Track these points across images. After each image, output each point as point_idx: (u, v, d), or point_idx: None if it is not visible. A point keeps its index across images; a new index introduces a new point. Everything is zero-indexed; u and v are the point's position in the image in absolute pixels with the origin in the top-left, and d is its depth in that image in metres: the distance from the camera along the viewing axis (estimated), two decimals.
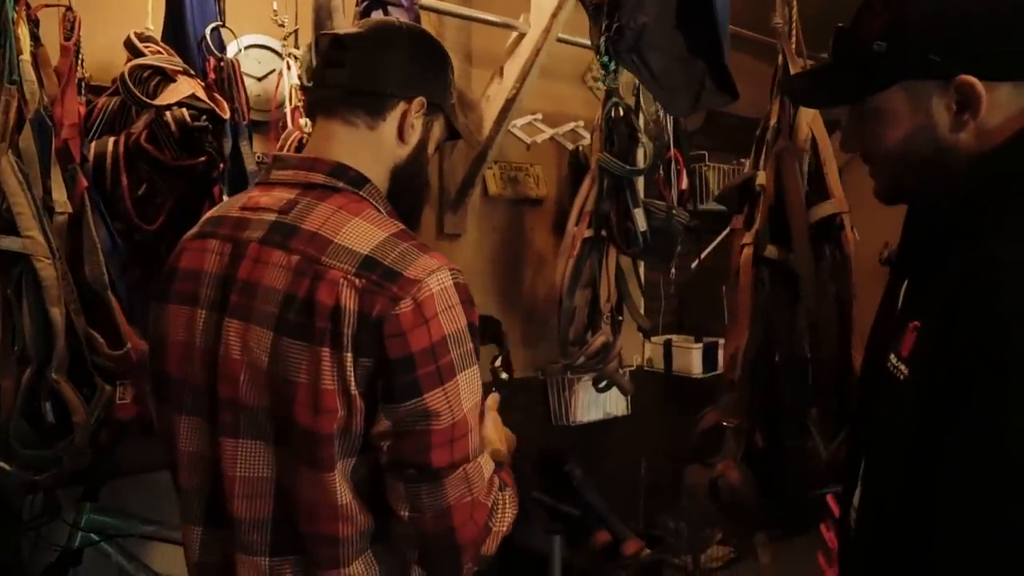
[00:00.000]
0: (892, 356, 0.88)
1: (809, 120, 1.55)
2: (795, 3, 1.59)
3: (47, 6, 1.59)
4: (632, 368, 3.09)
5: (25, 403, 1.43)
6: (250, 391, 0.98)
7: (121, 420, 1.55)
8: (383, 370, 0.94)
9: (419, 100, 1.11)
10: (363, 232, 0.99)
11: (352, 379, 0.94)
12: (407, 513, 0.98)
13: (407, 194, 1.14)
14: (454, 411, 0.96)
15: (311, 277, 0.96)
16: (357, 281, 0.95)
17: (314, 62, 1.20)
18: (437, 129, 1.17)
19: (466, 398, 0.98)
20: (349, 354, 0.94)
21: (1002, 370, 0.73)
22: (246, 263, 1.01)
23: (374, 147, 1.09)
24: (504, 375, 1.62)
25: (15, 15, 1.48)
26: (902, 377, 0.85)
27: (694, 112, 1.68)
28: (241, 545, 1.02)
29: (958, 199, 0.88)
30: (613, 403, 2.98)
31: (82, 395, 1.49)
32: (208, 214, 1.14)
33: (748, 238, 1.66)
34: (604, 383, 2.72)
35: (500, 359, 1.62)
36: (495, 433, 1.19)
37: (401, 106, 1.10)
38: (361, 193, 1.05)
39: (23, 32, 1.50)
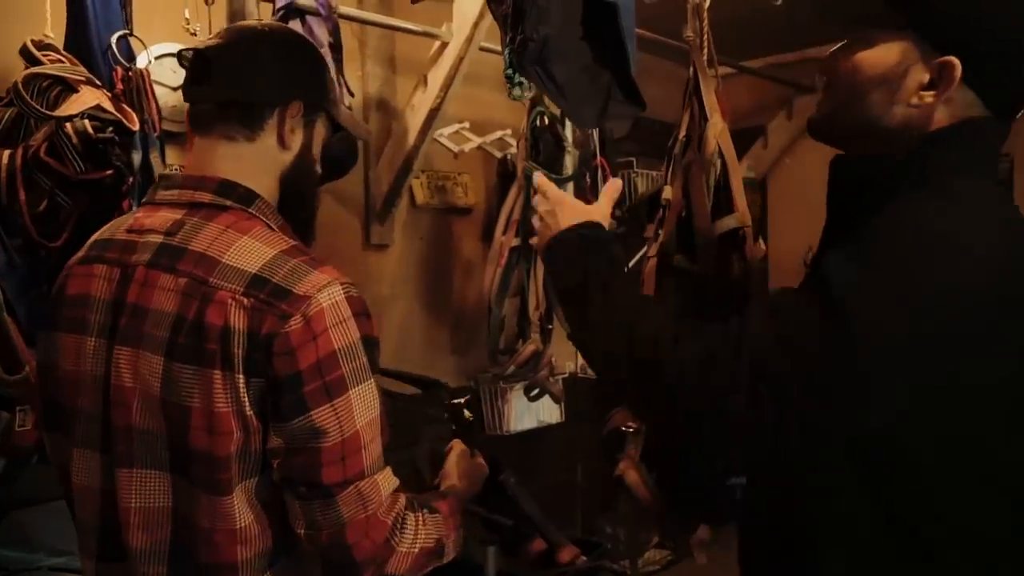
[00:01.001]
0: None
1: (717, 134, 1.58)
2: (706, 15, 1.62)
3: None
4: (565, 375, 3.09)
5: None
6: (144, 418, 0.96)
7: (21, 447, 1.47)
8: (272, 388, 0.93)
9: (295, 104, 1.08)
10: (252, 250, 0.97)
11: (246, 400, 0.93)
12: (303, 530, 0.97)
13: (299, 199, 1.12)
14: (343, 427, 0.95)
15: (200, 299, 0.94)
16: (245, 300, 0.93)
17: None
18: (320, 128, 1.14)
19: (360, 414, 0.96)
20: (241, 375, 0.93)
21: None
22: (134, 287, 0.99)
23: (257, 158, 1.07)
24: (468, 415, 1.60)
25: None
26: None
27: (600, 124, 1.70)
28: None
29: (887, 166, 0.94)
30: (547, 411, 2.98)
31: None
32: (94, 237, 1.11)
33: (653, 249, 1.70)
34: (536, 391, 2.72)
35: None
36: (454, 469, 1.25)
37: (277, 113, 1.07)
38: (251, 211, 1.03)
39: None
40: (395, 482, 1.02)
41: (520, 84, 1.51)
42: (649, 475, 1.70)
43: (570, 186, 2.72)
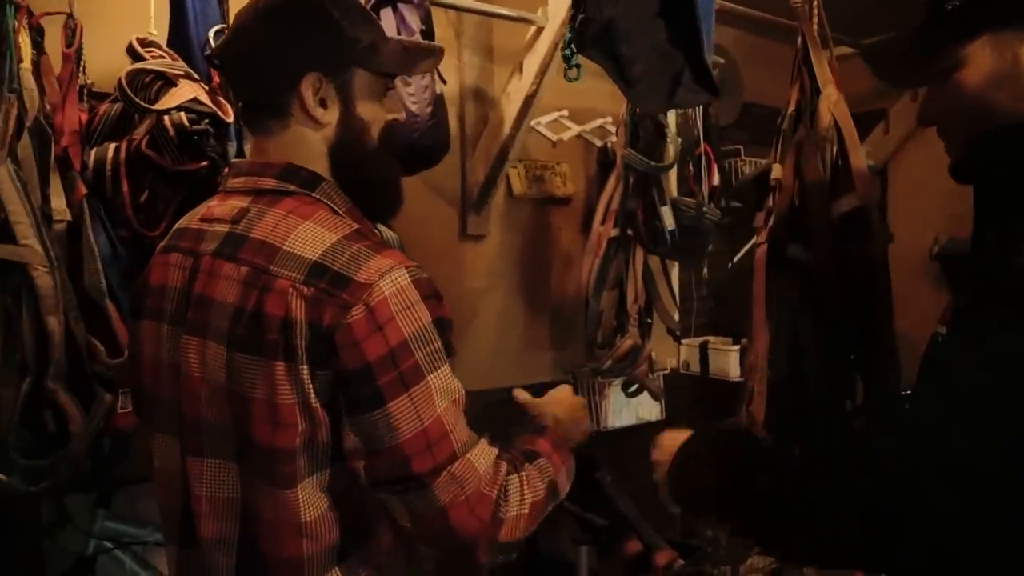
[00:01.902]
0: (939, 326, 0.80)
1: (831, 106, 1.43)
2: None
3: (48, 14, 1.58)
4: (666, 371, 2.99)
5: (25, 413, 1.42)
6: (211, 409, 0.96)
7: (124, 428, 1.53)
8: (342, 381, 0.91)
9: (308, 78, 1.01)
10: (313, 236, 0.95)
11: (311, 392, 0.91)
12: (408, 523, 0.96)
13: (357, 167, 1.06)
14: (423, 417, 0.91)
15: (259, 288, 0.93)
16: (305, 289, 0.91)
17: None
18: (361, 83, 1.05)
19: (440, 399, 0.93)
20: (305, 366, 0.91)
21: None
22: (201, 277, 0.99)
23: (301, 144, 1.03)
24: None
25: (15, 24, 1.48)
26: (940, 339, 0.78)
27: (667, 109, 1.58)
28: (208, 566, 0.98)
29: None
30: (646, 408, 2.89)
31: (84, 404, 1.47)
32: (176, 226, 1.13)
33: (763, 236, 1.55)
34: (634, 387, 2.64)
35: None
36: (556, 401, 1.20)
37: (296, 94, 1.01)
38: (314, 195, 1.01)
39: (24, 40, 1.50)
40: (492, 453, 0.98)
41: (578, 66, 1.44)
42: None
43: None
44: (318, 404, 0.91)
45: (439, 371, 0.93)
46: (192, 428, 0.98)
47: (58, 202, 1.48)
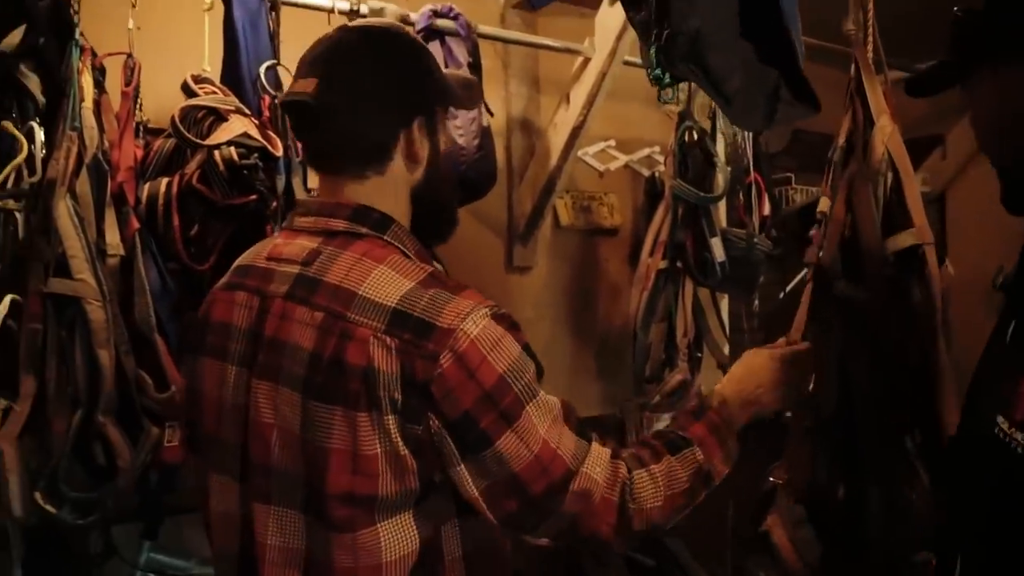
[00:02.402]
0: (1001, 419, 0.73)
1: (885, 138, 1.37)
2: (871, 6, 1.43)
3: (111, 55, 1.62)
4: None
5: (76, 445, 1.43)
6: (282, 456, 0.93)
7: (170, 462, 1.54)
8: (447, 429, 0.90)
9: (418, 120, 1.02)
10: (388, 281, 0.93)
11: (399, 441, 0.89)
12: (546, 541, 0.99)
13: (436, 205, 1.07)
14: (532, 445, 0.91)
15: (338, 335, 0.90)
16: (388, 340, 0.89)
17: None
18: (443, 122, 1.07)
19: (541, 422, 0.92)
20: (391, 417, 0.89)
21: None
22: (272, 319, 0.96)
23: (389, 185, 1.02)
24: None
25: (80, 65, 1.52)
26: (1020, 449, 0.70)
27: (770, 127, 1.51)
28: None
29: None
30: None
31: (132, 437, 1.48)
32: (237, 262, 1.09)
33: (810, 273, 1.49)
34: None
35: None
36: (735, 392, 1.15)
37: (403, 136, 1.01)
38: (386, 237, 0.99)
39: (87, 80, 1.54)
40: (605, 455, 0.98)
41: (670, 86, 1.37)
42: (804, 535, 1.51)
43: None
44: (407, 451, 0.89)
45: (536, 398, 0.93)
46: (260, 474, 0.95)
47: (112, 237, 1.50)
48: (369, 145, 1.01)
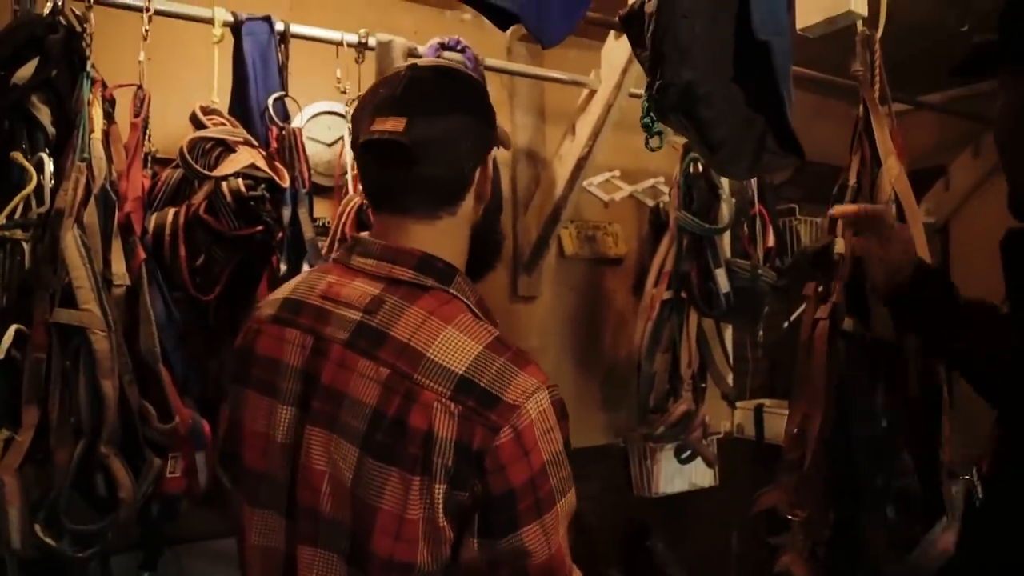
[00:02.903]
0: (974, 471, 0.73)
1: (893, 179, 1.39)
2: (877, 48, 1.46)
3: (121, 86, 1.64)
4: (720, 436, 2.89)
5: (77, 477, 1.42)
6: (331, 505, 0.92)
7: (172, 494, 1.53)
8: (481, 504, 0.88)
9: (491, 154, 1.04)
10: (457, 346, 0.92)
11: (440, 510, 0.88)
12: None
13: (490, 236, 1.09)
14: (551, 544, 0.90)
15: (402, 396, 0.89)
16: (452, 406, 0.88)
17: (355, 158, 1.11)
18: (493, 159, 1.07)
19: (563, 522, 0.92)
20: (440, 485, 0.87)
21: None
22: (330, 367, 0.95)
23: (456, 227, 1.03)
24: None
25: (90, 96, 1.54)
26: (977, 503, 0.70)
27: (753, 176, 1.54)
28: None
29: None
30: (699, 474, 2.79)
31: (134, 468, 1.47)
32: (284, 295, 1.05)
33: (823, 312, 1.50)
34: (687, 453, 2.55)
35: None
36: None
37: (479, 172, 1.02)
38: (451, 291, 0.98)
39: (96, 111, 1.55)
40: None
41: (659, 134, 1.41)
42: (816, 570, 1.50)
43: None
44: (445, 523, 0.88)
45: (567, 496, 0.93)
46: (307, 517, 0.94)
47: (118, 267, 1.50)
48: (452, 184, 1.00)
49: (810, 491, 1.48)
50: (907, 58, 1.84)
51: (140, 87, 1.65)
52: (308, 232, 1.70)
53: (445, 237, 1.01)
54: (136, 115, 1.64)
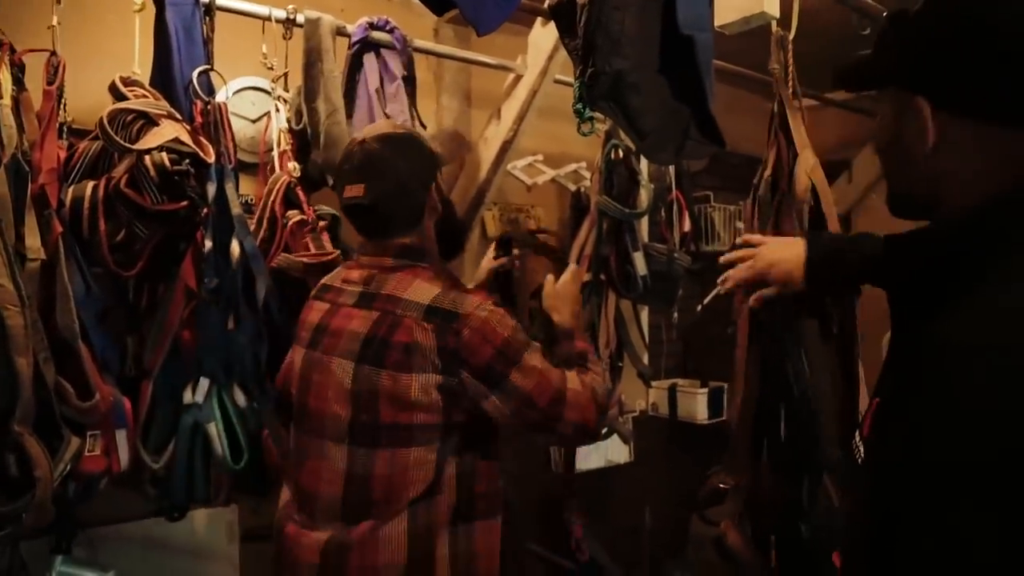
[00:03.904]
0: (857, 435, 0.81)
1: (808, 169, 1.48)
2: (790, 48, 1.55)
3: (32, 51, 1.57)
4: (635, 414, 3.01)
5: None
6: (332, 405, 1.38)
7: (90, 473, 1.49)
8: (477, 377, 1.33)
9: (434, 183, 1.48)
10: (424, 289, 1.37)
11: (433, 390, 1.32)
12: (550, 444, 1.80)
13: (453, 227, 1.65)
14: (532, 376, 1.35)
15: (388, 324, 1.35)
16: (426, 324, 1.33)
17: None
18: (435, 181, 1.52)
19: (534, 361, 1.36)
20: (432, 375, 1.32)
21: (946, 479, 0.64)
22: (337, 318, 1.44)
23: (422, 233, 1.48)
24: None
25: None
26: (860, 460, 0.78)
27: (677, 162, 1.64)
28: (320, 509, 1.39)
29: (944, 240, 0.81)
30: (615, 450, 2.90)
31: (50, 447, 1.43)
32: (322, 281, 1.57)
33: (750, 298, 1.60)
34: (604, 431, 2.64)
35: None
36: (565, 307, 1.62)
37: (427, 202, 1.47)
38: (421, 264, 1.44)
39: (4, 76, 1.48)
40: (573, 376, 1.42)
41: (590, 119, 1.46)
42: (748, 534, 1.60)
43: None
44: (438, 396, 1.32)
45: (528, 346, 1.38)
46: (315, 417, 1.42)
47: (32, 240, 1.45)
48: (409, 214, 1.45)
49: (739, 462, 1.58)
50: (815, 58, 1.95)
51: (54, 53, 1.58)
52: (235, 208, 1.68)
53: (415, 238, 1.47)
54: (50, 83, 1.57)
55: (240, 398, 1.73)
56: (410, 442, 1.33)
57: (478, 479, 1.40)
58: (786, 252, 1.35)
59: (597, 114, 1.49)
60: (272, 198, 1.76)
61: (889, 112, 0.84)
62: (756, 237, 1.44)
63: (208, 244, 1.66)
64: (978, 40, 0.73)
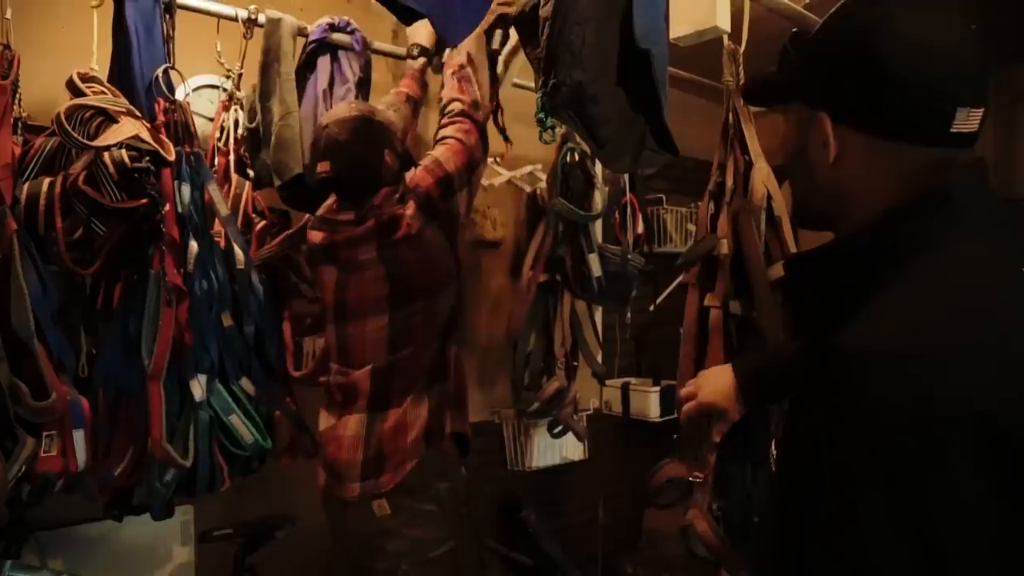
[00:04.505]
0: (773, 440, 0.86)
1: (764, 178, 1.56)
2: (742, 62, 1.61)
3: None
4: (589, 412, 3.06)
5: None
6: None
7: (45, 474, 1.47)
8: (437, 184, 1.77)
9: (390, 147, 1.79)
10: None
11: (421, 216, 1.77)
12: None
13: (411, 165, 1.88)
14: (448, 163, 1.80)
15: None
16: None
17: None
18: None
19: (445, 162, 1.79)
20: (420, 213, 1.75)
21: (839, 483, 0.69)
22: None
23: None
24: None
25: None
26: (773, 467, 0.83)
27: (634, 170, 1.70)
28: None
29: (847, 251, 0.85)
30: (570, 448, 2.95)
31: (3, 448, 1.41)
32: (311, 226, 1.87)
33: (714, 300, 1.67)
34: (559, 428, 2.69)
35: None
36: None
37: (386, 162, 1.78)
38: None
39: None
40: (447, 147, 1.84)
41: (552, 128, 1.51)
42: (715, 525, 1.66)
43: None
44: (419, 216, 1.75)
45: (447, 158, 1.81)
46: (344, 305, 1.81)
47: None
48: (369, 182, 1.75)
49: (690, 454, 1.64)
50: (760, 64, 2.02)
51: (7, 47, 1.56)
52: (224, 210, 1.75)
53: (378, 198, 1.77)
54: (4, 77, 1.55)
55: (249, 387, 1.86)
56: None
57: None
58: (719, 383, 1.48)
59: (555, 125, 1.54)
60: (244, 203, 1.86)
61: (794, 126, 0.89)
62: (691, 381, 1.55)
63: (194, 245, 1.67)
64: (866, 63, 0.80)
